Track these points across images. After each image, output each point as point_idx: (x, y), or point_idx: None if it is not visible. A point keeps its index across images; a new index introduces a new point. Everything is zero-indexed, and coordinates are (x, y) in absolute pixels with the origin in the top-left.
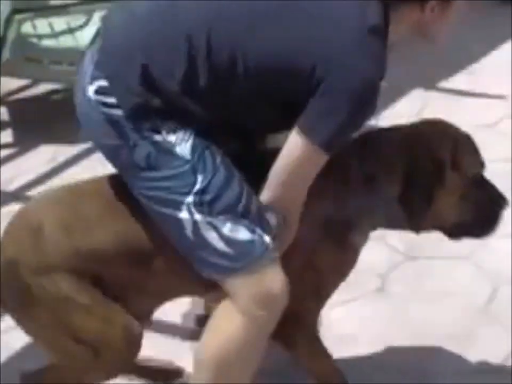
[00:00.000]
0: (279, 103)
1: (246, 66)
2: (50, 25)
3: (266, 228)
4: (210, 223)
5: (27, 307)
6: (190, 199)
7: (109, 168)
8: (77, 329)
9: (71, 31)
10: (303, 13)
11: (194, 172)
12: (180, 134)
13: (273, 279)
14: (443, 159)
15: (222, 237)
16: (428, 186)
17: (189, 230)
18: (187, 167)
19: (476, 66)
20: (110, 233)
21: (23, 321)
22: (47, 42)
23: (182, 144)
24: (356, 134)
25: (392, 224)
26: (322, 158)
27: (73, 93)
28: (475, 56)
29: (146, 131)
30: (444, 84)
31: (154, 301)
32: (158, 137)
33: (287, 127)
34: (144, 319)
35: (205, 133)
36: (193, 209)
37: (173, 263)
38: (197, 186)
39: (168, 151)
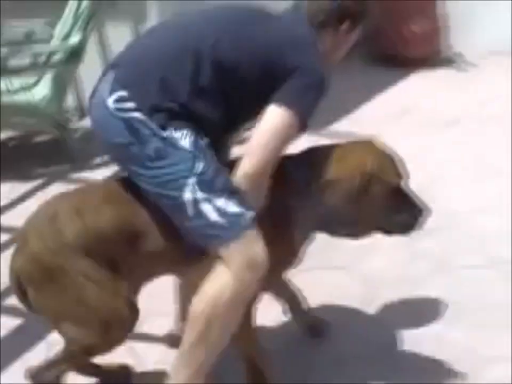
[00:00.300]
0: (263, 94)
1: (242, 69)
2: (8, 84)
3: (249, 206)
4: (208, 199)
5: (47, 285)
6: (192, 180)
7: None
8: (90, 302)
9: (26, 88)
10: (276, 29)
11: (194, 159)
12: (184, 131)
13: (258, 247)
14: (369, 172)
15: (217, 209)
16: (354, 195)
17: (190, 208)
18: (189, 155)
19: (356, 113)
20: (111, 217)
21: (43, 299)
22: (5, 98)
23: (184, 139)
24: (301, 150)
25: (329, 228)
26: (295, 130)
27: (89, 112)
28: (355, 104)
29: (157, 129)
30: (329, 128)
31: (145, 276)
32: (165, 134)
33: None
34: (136, 292)
35: (201, 131)
36: (196, 187)
37: (162, 244)
38: (199, 170)
39: (173, 144)
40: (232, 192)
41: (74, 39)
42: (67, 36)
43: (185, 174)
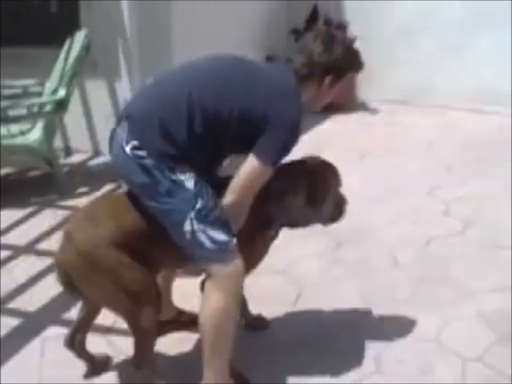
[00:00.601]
0: (244, 137)
1: (228, 118)
2: (8, 130)
3: (233, 234)
4: (203, 230)
5: (90, 273)
6: (192, 214)
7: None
8: (126, 283)
9: (22, 133)
10: (256, 82)
11: (196, 197)
12: (187, 174)
13: (239, 265)
14: (329, 180)
15: (210, 238)
16: (321, 196)
17: (188, 235)
18: (192, 195)
19: None
20: (134, 219)
21: (87, 285)
22: (5, 141)
23: (189, 181)
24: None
25: (301, 222)
26: (269, 172)
27: (110, 153)
28: None
29: (167, 173)
30: None
31: (160, 266)
32: (174, 177)
33: (245, 151)
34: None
35: (200, 170)
36: (194, 221)
37: (167, 246)
38: (198, 206)
39: (181, 185)
40: (221, 224)
41: (61, 93)
42: (55, 91)
43: (187, 209)
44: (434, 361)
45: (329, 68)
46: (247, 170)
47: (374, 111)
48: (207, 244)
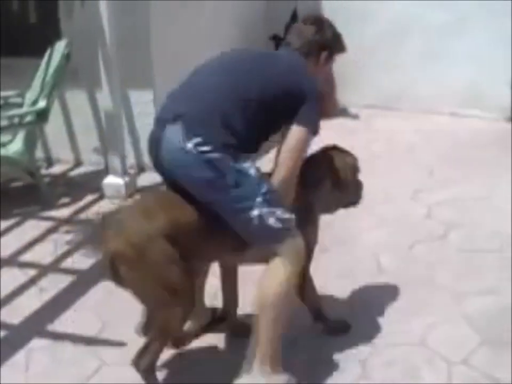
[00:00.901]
0: (284, 115)
1: (273, 99)
2: None
3: (291, 210)
4: (270, 212)
5: (138, 263)
6: (259, 199)
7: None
8: (168, 277)
9: (3, 144)
10: (283, 64)
11: (260, 183)
12: (248, 163)
13: (300, 242)
14: (351, 167)
15: (276, 218)
16: (345, 181)
17: (255, 220)
18: (256, 181)
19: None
20: (183, 214)
21: (134, 275)
22: None
23: (251, 168)
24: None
25: (331, 208)
26: (310, 140)
27: (163, 155)
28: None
29: (232, 163)
30: None
31: (203, 259)
32: (238, 166)
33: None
34: (195, 272)
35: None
36: (261, 205)
37: (213, 236)
38: (262, 191)
39: (245, 174)
40: (281, 202)
41: (41, 104)
42: (35, 102)
43: (254, 196)
44: (420, 365)
45: (323, 44)
46: (293, 141)
47: (355, 116)
48: (275, 224)
